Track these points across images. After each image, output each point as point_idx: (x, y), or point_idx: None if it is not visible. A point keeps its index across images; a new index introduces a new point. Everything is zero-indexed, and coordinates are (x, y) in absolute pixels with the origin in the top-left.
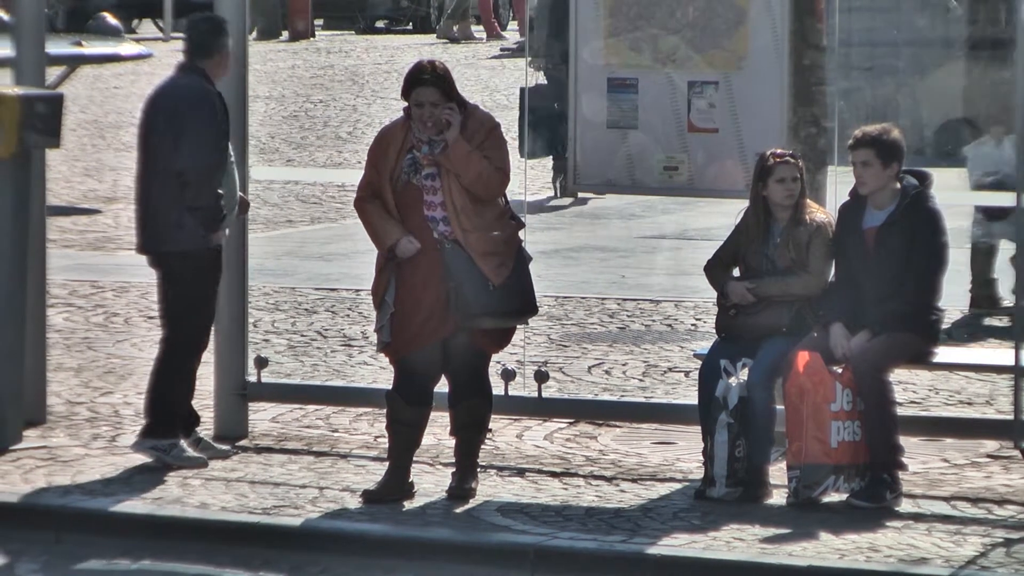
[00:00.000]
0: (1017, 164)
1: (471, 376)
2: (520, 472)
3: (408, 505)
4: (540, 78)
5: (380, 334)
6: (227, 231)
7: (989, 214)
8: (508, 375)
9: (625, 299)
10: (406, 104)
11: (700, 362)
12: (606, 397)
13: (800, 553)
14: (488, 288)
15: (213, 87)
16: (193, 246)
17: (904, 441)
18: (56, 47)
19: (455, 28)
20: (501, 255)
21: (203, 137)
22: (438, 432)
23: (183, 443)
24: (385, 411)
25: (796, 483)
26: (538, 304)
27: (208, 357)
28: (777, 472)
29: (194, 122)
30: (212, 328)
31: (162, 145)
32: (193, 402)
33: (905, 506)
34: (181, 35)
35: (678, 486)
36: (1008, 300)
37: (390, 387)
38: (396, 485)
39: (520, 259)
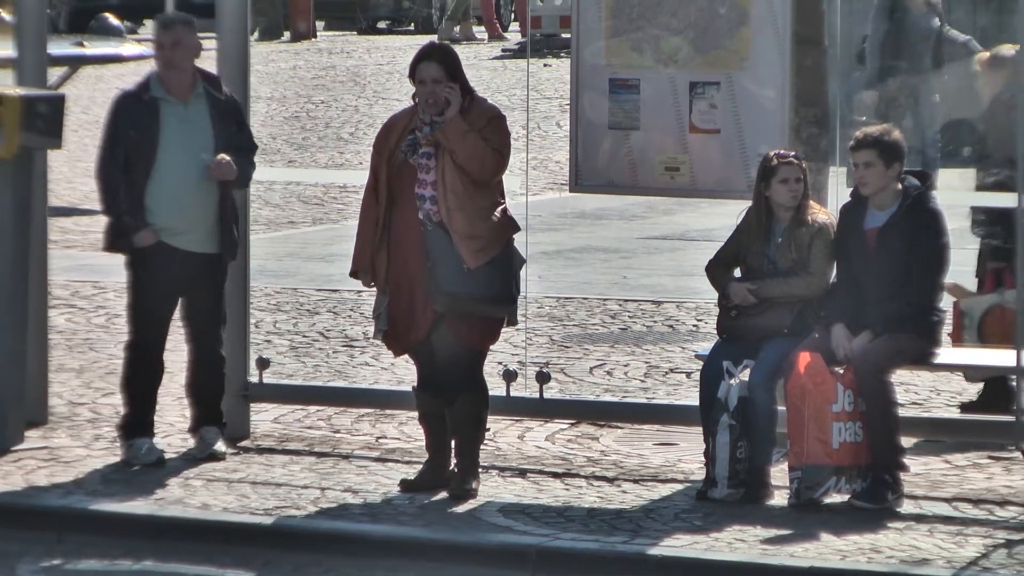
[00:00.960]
0: (1019, 165)
1: (463, 373)
2: (522, 473)
3: (410, 504)
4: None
5: (378, 321)
6: (182, 234)
7: None
8: (510, 376)
9: (627, 300)
10: (415, 91)
11: (701, 363)
12: (608, 398)
13: (802, 554)
14: (462, 269)
15: (137, 92)
16: (114, 247)
17: (905, 442)
18: (58, 48)
19: (456, 29)
20: (483, 240)
21: (102, 142)
22: None
23: (138, 441)
24: (383, 411)
25: (798, 484)
26: (515, 298)
27: None
28: (779, 473)
29: (104, 127)
30: (161, 331)
31: None
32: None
33: (907, 507)
34: None
35: (680, 487)
36: None
37: (389, 388)
38: (435, 474)
39: (507, 254)
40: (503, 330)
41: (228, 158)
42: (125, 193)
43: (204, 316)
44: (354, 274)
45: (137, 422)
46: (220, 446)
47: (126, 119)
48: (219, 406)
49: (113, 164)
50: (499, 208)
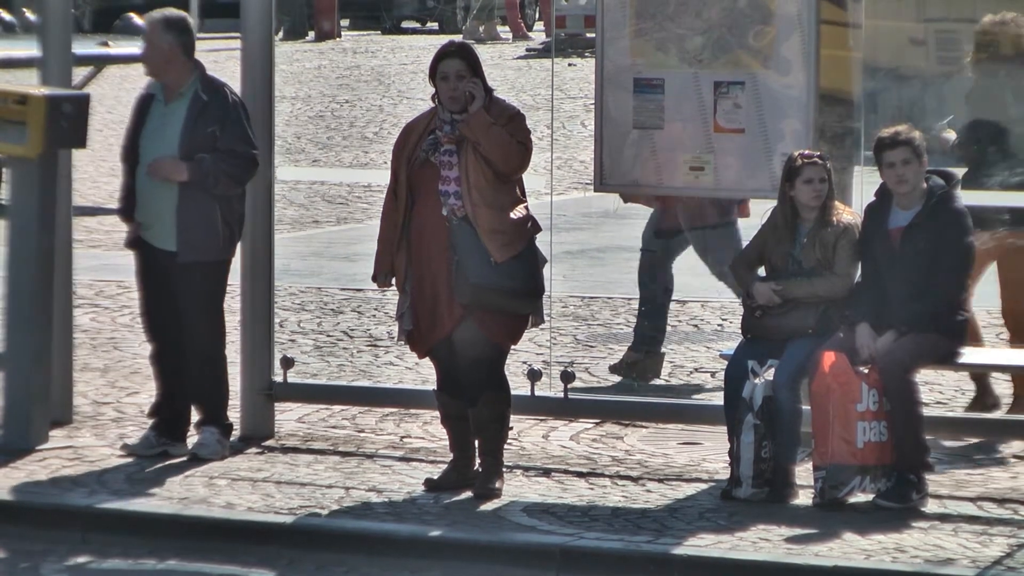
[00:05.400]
0: None
1: (486, 372)
2: (546, 472)
3: (435, 504)
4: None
5: (401, 321)
6: (149, 229)
7: None
8: (534, 375)
9: None
10: (433, 94)
11: (726, 363)
12: (632, 397)
13: (826, 553)
14: (489, 262)
15: (146, 89)
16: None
17: (930, 441)
18: (83, 47)
19: (481, 28)
20: (508, 235)
21: None
22: None
23: (148, 434)
24: (407, 410)
25: (822, 483)
26: (542, 291)
27: (234, 356)
28: (803, 473)
29: None
30: (151, 330)
31: None
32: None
33: (931, 506)
34: (206, 36)
35: (704, 486)
36: None
37: (413, 387)
38: (459, 474)
39: (531, 250)
40: (529, 330)
41: (168, 157)
42: (126, 188)
43: (183, 314)
44: (375, 278)
45: (160, 415)
46: (202, 449)
47: (132, 116)
48: (214, 407)
49: (122, 159)
50: (521, 206)
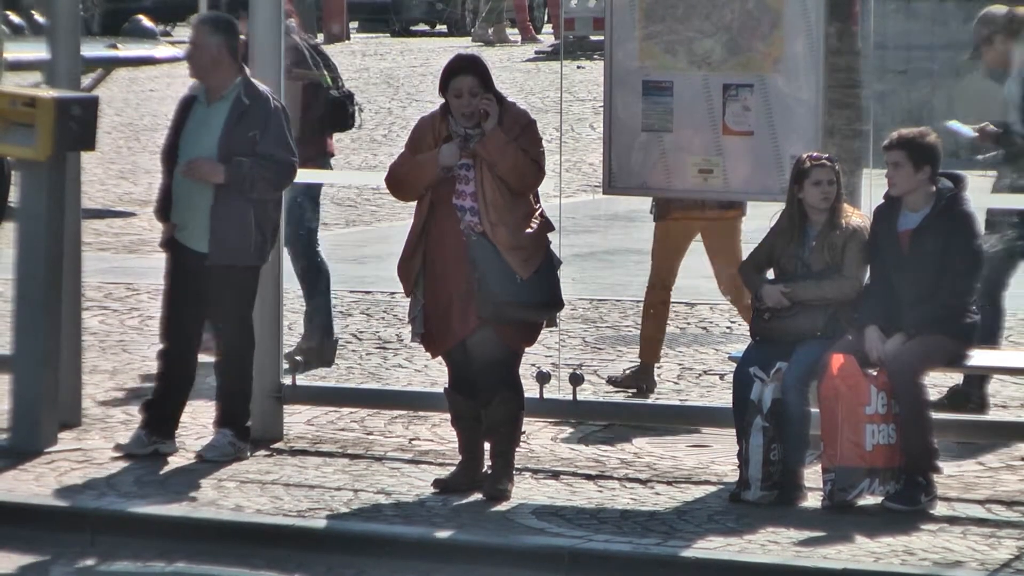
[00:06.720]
0: None
1: (501, 374)
2: (555, 475)
3: (444, 506)
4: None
5: (413, 324)
6: (184, 230)
7: None
8: (543, 378)
9: None
10: (443, 101)
11: (735, 365)
12: (641, 400)
13: (835, 556)
14: (515, 280)
15: (190, 91)
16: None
17: (939, 444)
18: (91, 50)
19: (490, 31)
20: (528, 250)
21: None
22: None
23: (139, 432)
24: (416, 413)
25: (831, 486)
26: (563, 301)
27: None
28: (812, 475)
29: None
30: (167, 329)
31: None
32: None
33: (940, 509)
34: None
35: (713, 489)
36: None
37: (422, 389)
38: (468, 476)
39: (548, 258)
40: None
41: (206, 158)
42: (164, 188)
43: (211, 316)
44: (438, 162)
45: (153, 413)
46: (209, 452)
47: (174, 117)
48: (231, 409)
49: (162, 159)
50: (536, 214)
